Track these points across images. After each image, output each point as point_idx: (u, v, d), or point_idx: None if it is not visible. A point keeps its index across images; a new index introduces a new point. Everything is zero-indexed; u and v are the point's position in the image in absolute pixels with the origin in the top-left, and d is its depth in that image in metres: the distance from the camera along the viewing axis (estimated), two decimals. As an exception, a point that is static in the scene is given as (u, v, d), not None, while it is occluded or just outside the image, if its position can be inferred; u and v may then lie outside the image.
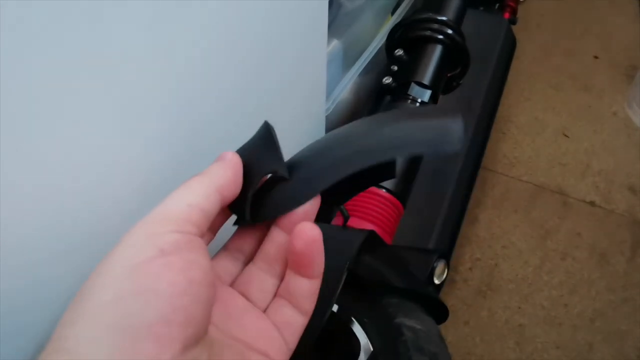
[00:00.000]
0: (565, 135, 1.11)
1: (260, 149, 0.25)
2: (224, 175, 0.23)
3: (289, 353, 0.25)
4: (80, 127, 0.24)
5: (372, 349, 0.35)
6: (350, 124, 0.26)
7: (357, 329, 0.36)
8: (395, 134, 0.24)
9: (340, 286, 0.34)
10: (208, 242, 0.25)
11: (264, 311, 0.25)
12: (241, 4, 0.32)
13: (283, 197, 0.25)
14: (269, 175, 0.26)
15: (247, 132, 0.27)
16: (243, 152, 0.25)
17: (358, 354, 0.35)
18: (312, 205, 0.25)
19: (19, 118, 0.20)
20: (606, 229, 0.97)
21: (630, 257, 0.93)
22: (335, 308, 0.38)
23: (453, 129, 0.23)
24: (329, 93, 0.63)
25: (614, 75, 1.22)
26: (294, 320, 0.25)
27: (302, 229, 0.24)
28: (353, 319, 0.36)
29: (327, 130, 0.59)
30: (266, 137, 0.26)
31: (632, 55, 1.26)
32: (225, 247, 0.27)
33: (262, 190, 0.26)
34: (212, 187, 0.23)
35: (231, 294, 0.25)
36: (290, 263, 0.25)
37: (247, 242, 0.27)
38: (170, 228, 0.20)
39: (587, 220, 0.98)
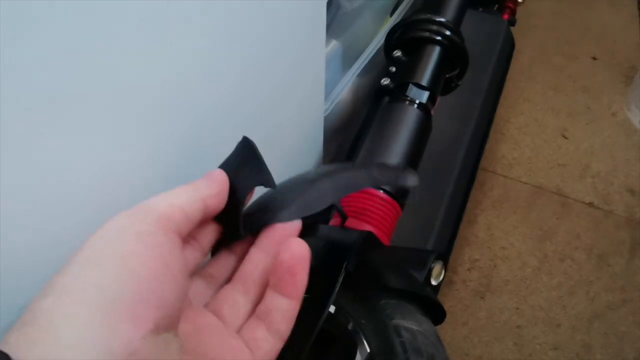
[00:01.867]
0: (564, 137, 1.11)
1: (245, 164, 0.27)
2: (208, 187, 0.24)
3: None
4: (80, 129, 0.24)
5: (369, 350, 0.35)
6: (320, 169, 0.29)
7: (355, 330, 0.36)
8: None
9: (338, 287, 0.34)
10: (200, 257, 0.26)
11: (237, 331, 0.25)
12: (240, 5, 0.32)
13: (272, 210, 0.27)
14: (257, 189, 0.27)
15: (246, 133, 0.27)
16: (227, 167, 0.26)
17: (355, 355, 0.35)
18: (294, 227, 0.26)
19: (15, 121, 0.20)
20: (605, 230, 0.97)
21: (629, 258, 0.93)
22: (332, 309, 0.38)
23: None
24: (327, 93, 0.63)
25: (613, 76, 1.23)
26: (267, 342, 0.24)
27: (292, 242, 0.24)
28: (350, 319, 0.36)
29: (326, 130, 0.59)
30: (249, 152, 0.27)
31: (631, 57, 1.26)
32: (198, 273, 0.27)
33: (252, 205, 0.27)
34: (197, 194, 0.24)
35: (203, 313, 0.24)
36: (272, 279, 0.25)
37: (221, 269, 0.27)
38: (151, 220, 0.21)
39: (586, 222, 0.98)
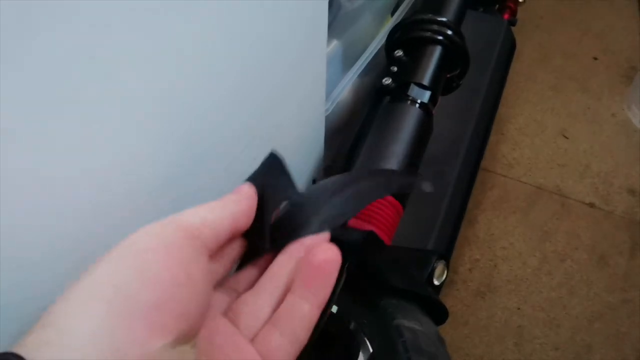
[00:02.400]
0: (565, 137, 1.11)
1: (273, 179, 0.27)
2: (238, 205, 0.24)
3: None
4: (80, 129, 0.23)
5: (371, 350, 0.34)
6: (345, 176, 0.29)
7: (356, 330, 0.36)
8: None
9: (340, 287, 0.34)
10: (225, 272, 0.26)
11: (252, 339, 0.24)
12: (240, 5, 0.32)
13: (300, 223, 0.26)
14: (284, 203, 0.27)
15: (248, 133, 0.27)
16: (254, 181, 0.26)
17: (357, 355, 0.35)
18: (324, 237, 0.26)
19: (18, 120, 0.20)
20: (605, 230, 0.97)
21: (629, 258, 0.93)
22: (334, 309, 0.38)
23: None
24: (328, 93, 0.63)
25: (613, 76, 1.23)
26: (281, 351, 0.23)
27: (325, 246, 0.24)
28: (352, 320, 0.36)
29: (326, 130, 0.59)
30: (277, 166, 0.27)
31: (631, 57, 1.26)
32: (220, 284, 0.26)
33: (278, 220, 0.27)
34: (227, 211, 0.23)
35: (218, 319, 0.24)
36: (297, 281, 0.24)
37: (243, 281, 0.27)
38: (180, 234, 0.21)
39: (586, 222, 0.98)
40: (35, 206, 0.23)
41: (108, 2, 0.22)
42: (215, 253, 0.24)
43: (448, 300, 0.87)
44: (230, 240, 0.25)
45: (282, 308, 0.24)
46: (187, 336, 0.19)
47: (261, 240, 0.26)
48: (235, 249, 0.26)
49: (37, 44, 0.20)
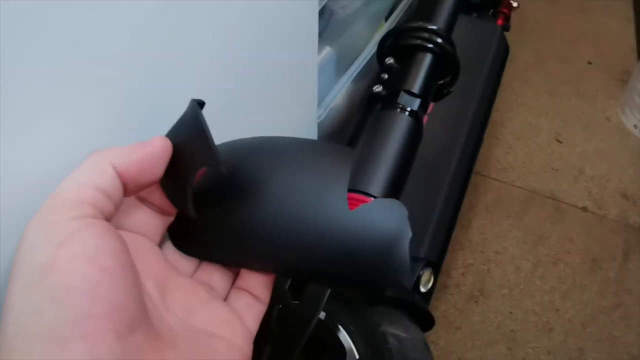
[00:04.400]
0: (559, 141, 1.12)
1: (191, 137, 0.23)
2: (121, 154, 0.21)
3: (252, 336, 0.25)
4: (71, 128, 0.24)
5: (357, 357, 0.35)
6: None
7: (343, 336, 0.36)
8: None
9: (328, 293, 0.34)
10: (163, 222, 0.25)
11: (225, 299, 0.26)
12: (230, 12, 0.32)
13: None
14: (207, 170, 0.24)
15: (240, 138, 0.27)
16: (174, 136, 0.23)
17: (344, 362, 0.35)
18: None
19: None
20: (598, 234, 0.97)
21: (622, 262, 0.94)
22: (322, 316, 0.38)
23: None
24: (321, 100, 0.64)
25: (607, 80, 1.23)
26: (253, 306, 0.26)
27: None
28: (339, 326, 0.37)
29: (320, 136, 0.60)
30: (195, 124, 0.23)
31: (625, 61, 1.27)
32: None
33: (203, 190, 0.24)
34: (107, 164, 0.21)
35: (191, 284, 0.25)
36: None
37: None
38: (65, 215, 0.19)
39: (580, 226, 0.98)
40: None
41: (101, 6, 0.22)
42: (141, 199, 0.24)
43: (441, 304, 0.87)
44: (151, 186, 0.23)
45: (241, 276, 0.26)
46: (129, 325, 0.18)
47: (182, 200, 0.23)
48: (161, 196, 0.24)
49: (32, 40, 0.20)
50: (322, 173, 0.25)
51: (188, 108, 0.24)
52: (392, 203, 0.23)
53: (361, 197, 0.46)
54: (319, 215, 0.23)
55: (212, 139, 0.22)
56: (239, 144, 0.28)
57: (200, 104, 0.24)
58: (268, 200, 0.24)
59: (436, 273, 0.54)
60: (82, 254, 0.18)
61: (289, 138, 0.27)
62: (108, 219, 0.20)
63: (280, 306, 0.36)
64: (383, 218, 0.23)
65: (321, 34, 0.68)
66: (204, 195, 0.25)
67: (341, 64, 0.71)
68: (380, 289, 0.25)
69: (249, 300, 0.26)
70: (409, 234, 0.22)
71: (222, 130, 0.36)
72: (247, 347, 0.24)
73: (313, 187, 0.24)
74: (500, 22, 0.95)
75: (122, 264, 0.19)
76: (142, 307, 0.20)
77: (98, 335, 0.17)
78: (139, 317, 0.19)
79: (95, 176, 0.20)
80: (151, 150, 0.22)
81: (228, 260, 0.26)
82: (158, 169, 0.22)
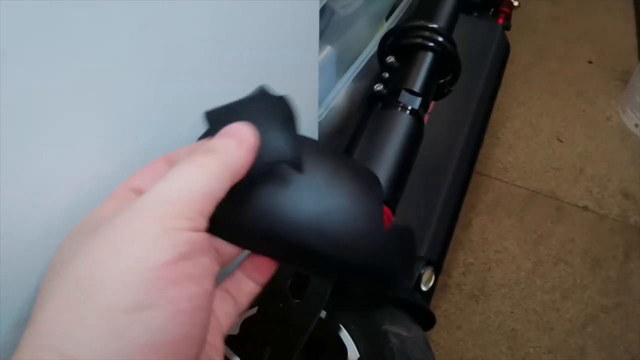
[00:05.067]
0: (559, 140, 1.12)
1: (273, 125, 0.20)
2: (239, 158, 0.19)
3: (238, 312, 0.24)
4: (69, 132, 0.24)
5: (358, 356, 0.35)
6: None
7: (344, 335, 0.36)
8: None
9: (329, 293, 0.34)
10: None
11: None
12: (230, 12, 0.32)
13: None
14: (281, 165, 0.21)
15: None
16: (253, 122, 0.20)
17: (345, 361, 0.35)
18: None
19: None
20: (599, 233, 0.97)
21: (623, 262, 0.94)
22: (323, 314, 0.38)
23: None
24: (322, 99, 0.64)
25: (608, 80, 1.23)
26: (247, 285, 0.24)
27: None
28: (340, 325, 0.37)
29: (320, 135, 0.59)
30: (284, 113, 0.20)
31: (626, 60, 1.27)
32: None
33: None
34: (227, 173, 0.19)
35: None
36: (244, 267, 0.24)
37: None
38: (186, 224, 0.17)
39: (581, 225, 0.98)
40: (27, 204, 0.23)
41: (100, 6, 0.22)
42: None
43: (442, 304, 0.87)
44: None
45: (232, 280, 0.24)
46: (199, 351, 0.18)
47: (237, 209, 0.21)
48: None
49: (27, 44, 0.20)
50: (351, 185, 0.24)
51: (260, 94, 0.22)
52: (406, 234, 0.24)
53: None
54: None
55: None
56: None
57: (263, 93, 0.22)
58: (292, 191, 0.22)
59: (437, 272, 0.54)
60: (194, 271, 0.17)
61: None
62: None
63: (281, 305, 0.37)
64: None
65: (322, 33, 0.68)
66: None
67: (342, 64, 0.71)
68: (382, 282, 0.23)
69: (243, 278, 0.24)
70: (412, 260, 0.23)
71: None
72: (223, 351, 0.22)
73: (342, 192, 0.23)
74: (501, 21, 0.95)
75: (214, 288, 0.19)
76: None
77: (183, 354, 0.17)
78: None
79: (212, 184, 0.18)
80: (249, 148, 0.20)
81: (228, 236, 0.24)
82: (249, 166, 0.20)
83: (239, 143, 0.19)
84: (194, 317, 0.17)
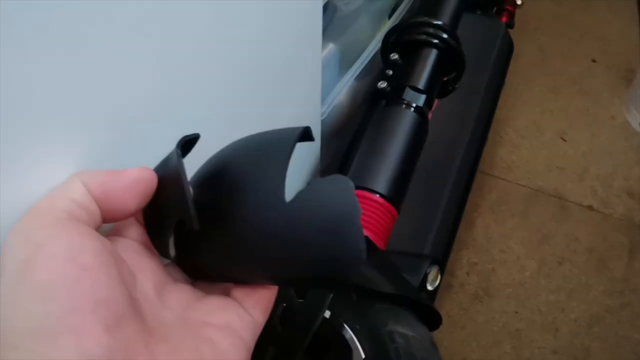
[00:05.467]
0: (563, 139, 1.11)
1: (172, 184, 0.23)
2: (97, 176, 0.22)
3: (254, 324, 0.24)
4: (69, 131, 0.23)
5: (363, 356, 0.34)
6: None
7: (349, 335, 0.36)
8: None
9: (332, 292, 0.34)
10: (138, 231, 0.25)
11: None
12: (234, 10, 0.32)
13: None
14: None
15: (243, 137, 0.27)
16: (160, 173, 0.23)
17: (349, 361, 0.35)
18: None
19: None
20: (604, 233, 0.97)
21: (628, 261, 0.93)
22: (327, 314, 0.37)
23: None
24: (324, 97, 0.63)
25: (612, 78, 1.22)
26: (251, 294, 0.24)
27: None
28: (345, 325, 0.36)
29: (323, 133, 0.59)
30: (175, 173, 0.22)
31: (630, 59, 1.26)
32: None
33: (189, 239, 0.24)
34: (76, 179, 0.21)
35: (188, 286, 0.24)
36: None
37: None
38: (42, 221, 0.20)
39: (585, 225, 0.98)
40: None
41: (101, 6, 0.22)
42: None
43: (445, 304, 0.87)
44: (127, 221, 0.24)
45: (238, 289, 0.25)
46: (116, 318, 0.19)
47: (161, 243, 0.24)
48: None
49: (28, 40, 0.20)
50: (263, 165, 0.23)
51: (172, 153, 0.23)
52: (336, 179, 0.21)
53: (366, 193, 0.45)
54: (260, 212, 0.22)
55: (190, 194, 0.22)
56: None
57: (191, 140, 0.24)
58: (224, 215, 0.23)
59: (441, 271, 0.53)
60: (60, 252, 0.19)
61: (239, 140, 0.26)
62: (91, 223, 0.21)
63: (284, 305, 0.36)
64: (327, 197, 0.21)
65: (324, 30, 0.68)
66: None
67: (344, 61, 0.71)
68: (340, 281, 0.22)
69: (247, 289, 0.24)
70: (358, 211, 0.20)
71: (225, 128, 0.36)
72: (246, 333, 0.23)
73: (256, 183, 0.22)
74: (504, 19, 0.95)
75: (104, 261, 0.19)
76: (130, 302, 0.20)
77: (86, 329, 0.18)
78: (128, 312, 0.19)
79: (66, 190, 0.21)
80: (123, 178, 0.22)
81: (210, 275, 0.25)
82: (129, 200, 0.22)
83: (120, 173, 0.22)
84: (74, 291, 0.18)
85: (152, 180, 0.23)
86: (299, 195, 0.21)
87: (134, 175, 0.22)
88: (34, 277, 0.18)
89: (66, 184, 0.21)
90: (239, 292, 0.24)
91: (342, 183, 0.21)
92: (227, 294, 0.25)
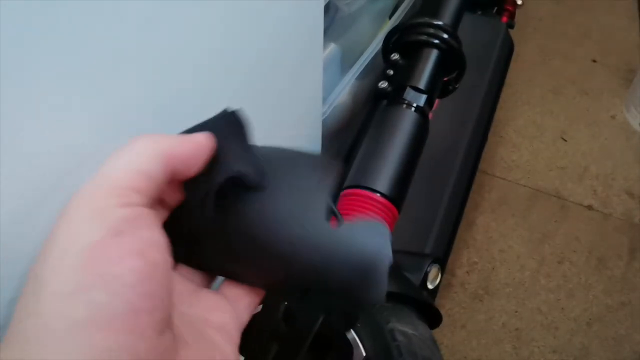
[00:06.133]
0: (563, 139, 1.11)
1: (230, 142, 0.22)
2: (176, 146, 0.20)
3: (241, 327, 0.24)
4: (74, 127, 0.24)
5: (364, 354, 0.35)
6: None
7: (350, 333, 0.36)
8: None
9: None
10: (162, 219, 0.23)
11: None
12: (236, 9, 0.32)
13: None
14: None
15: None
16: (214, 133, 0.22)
17: (351, 359, 0.35)
18: None
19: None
20: (604, 232, 0.97)
21: (627, 261, 0.93)
22: (329, 312, 0.38)
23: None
24: (326, 97, 0.63)
25: (612, 78, 1.23)
26: (247, 297, 0.24)
27: None
28: (346, 323, 0.36)
29: (324, 133, 0.59)
30: (237, 131, 0.23)
31: (630, 59, 1.26)
32: None
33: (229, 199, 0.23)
34: (162, 154, 0.20)
35: (178, 276, 0.24)
36: None
37: None
38: (116, 201, 0.18)
39: (585, 224, 0.98)
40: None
41: (105, 6, 0.22)
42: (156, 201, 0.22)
43: (446, 303, 0.87)
44: (170, 184, 0.22)
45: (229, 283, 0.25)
46: (165, 323, 0.18)
47: (202, 203, 0.22)
48: (178, 196, 0.23)
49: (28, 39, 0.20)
50: (302, 191, 0.24)
51: (227, 114, 0.23)
52: (376, 225, 0.23)
53: (366, 192, 0.45)
54: (295, 233, 0.22)
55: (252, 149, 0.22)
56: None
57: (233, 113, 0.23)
58: (250, 215, 0.23)
59: (441, 270, 0.53)
60: (133, 244, 0.18)
61: (274, 149, 0.26)
62: (152, 207, 0.20)
63: (286, 303, 0.36)
64: (364, 239, 0.22)
65: (326, 30, 0.68)
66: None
67: (346, 61, 0.71)
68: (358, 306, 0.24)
69: (242, 289, 0.24)
70: (388, 258, 0.22)
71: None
72: (237, 335, 0.23)
73: (293, 205, 0.23)
74: (504, 19, 0.95)
75: (166, 260, 0.19)
76: (172, 305, 0.19)
77: (142, 331, 0.17)
78: (170, 315, 0.19)
79: (145, 163, 0.19)
80: (196, 146, 0.21)
81: (208, 266, 0.25)
82: (197, 166, 0.21)
83: (184, 138, 0.21)
84: (139, 289, 0.17)
85: (213, 145, 0.22)
86: (340, 230, 0.22)
87: (201, 141, 0.21)
88: (103, 265, 0.17)
89: (145, 151, 0.20)
90: (231, 292, 0.24)
91: (381, 228, 0.23)
92: (207, 284, 0.24)
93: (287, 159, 0.25)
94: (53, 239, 0.18)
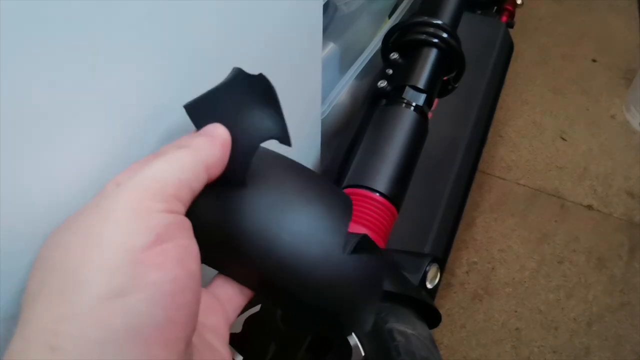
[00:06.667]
0: (563, 139, 1.11)
1: (254, 108, 0.21)
2: (212, 153, 0.20)
3: (230, 327, 0.24)
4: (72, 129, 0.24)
5: (363, 354, 0.34)
6: None
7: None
8: None
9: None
10: None
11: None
12: (234, 8, 0.32)
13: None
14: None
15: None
16: (225, 114, 0.21)
17: (349, 359, 0.35)
18: None
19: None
20: (604, 232, 0.97)
21: (627, 261, 0.93)
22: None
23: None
24: (325, 96, 0.63)
25: (612, 78, 1.23)
26: (237, 298, 0.24)
27: None
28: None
29: (323, 133, 0.59)
30: (263, 92, 0.21)
31: (630, 59, 1.26)
32: None
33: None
34: (201, 164, 0.20)
35: None
36: None
37: None
38: (161, 206, 0.18)
39: (585, 224, 0.98)
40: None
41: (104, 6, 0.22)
42: None
43: (445, 302, 0.87)
44: None
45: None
46: (192, 335, 0.18)
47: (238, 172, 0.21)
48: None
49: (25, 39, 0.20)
50: (325, 218, 0.23)
51: (235, 77, 0.22)
52: (377, 259, 0.23)
53: (365, 192, 0.45)
54: (313, 251, 0.22)
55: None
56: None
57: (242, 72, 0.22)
58: (260, 216, 0.23)
59: (441, 270, 0.53)
60: (174, 252, 0.17)
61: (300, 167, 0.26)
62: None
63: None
64: (362, 272, 0.23)
65: (325, 30, 0.68)
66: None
67: (345, 61, 0.71)
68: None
69: (233, 290, 0.24)
70: (379, 294, 0.23)
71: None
72: (227, 336, 0.23)
73: (315, 226, 0.23)
74: (504, 19, 0.95)
75: (200, 270, 0.19)
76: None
77: (175, 344, 0.17)
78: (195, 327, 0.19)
79: (187, 172, 0.19)
80: (224, 147, 0.21)
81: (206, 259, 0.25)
82: (224, 167, 0.21)
83: (212, 139, 0.21)
84: (178, 300, 0.17)
85: (230, 137, 0.21)
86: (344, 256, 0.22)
87: (226, 138, 0.21)
88: (147, 272, 0.16)
89: (191, 165, 0.20)
90: (223, 293, 0.24)
91: (378, 261, 0.23)
92: None
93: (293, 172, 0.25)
94: (97, 235, 0.17)
